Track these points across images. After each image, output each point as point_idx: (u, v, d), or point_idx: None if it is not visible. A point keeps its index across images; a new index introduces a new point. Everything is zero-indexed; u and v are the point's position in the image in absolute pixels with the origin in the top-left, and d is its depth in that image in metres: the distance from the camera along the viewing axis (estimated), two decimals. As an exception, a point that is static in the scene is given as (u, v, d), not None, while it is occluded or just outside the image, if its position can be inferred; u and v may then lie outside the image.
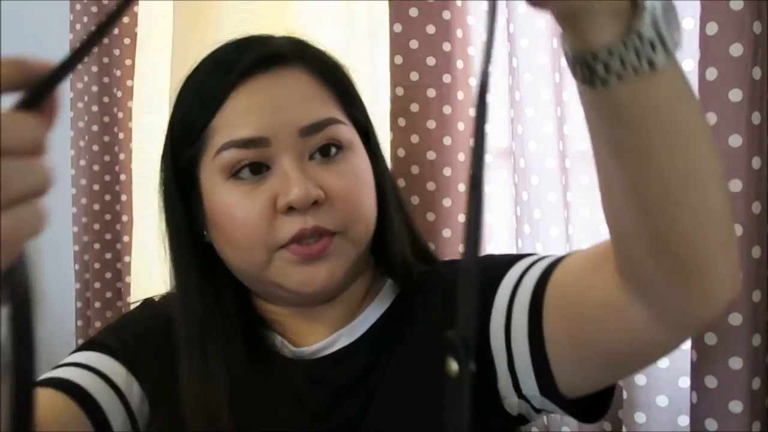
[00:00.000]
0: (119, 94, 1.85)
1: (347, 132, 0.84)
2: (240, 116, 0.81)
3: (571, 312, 0.72)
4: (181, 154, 0.85)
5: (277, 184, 0.80)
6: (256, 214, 0.80)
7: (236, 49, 0.85)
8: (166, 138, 0.88)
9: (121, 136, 1.85)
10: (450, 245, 1.20)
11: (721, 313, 0.62)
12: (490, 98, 1.29)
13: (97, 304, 1.91)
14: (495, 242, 1.29)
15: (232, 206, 0.81)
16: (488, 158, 1.26)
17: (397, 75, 1.24)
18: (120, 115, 1.85)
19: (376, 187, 0.86)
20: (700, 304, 0.61)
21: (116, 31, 1.86)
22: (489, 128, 1.30)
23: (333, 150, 0.82)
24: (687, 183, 0.55)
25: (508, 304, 0.78)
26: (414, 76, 1.23)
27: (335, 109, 0.84)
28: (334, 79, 0.86)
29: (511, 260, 0.82)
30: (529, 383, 0.78)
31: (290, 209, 0.79)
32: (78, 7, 1.94)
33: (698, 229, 0.57)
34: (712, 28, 0.90)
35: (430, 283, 0.87)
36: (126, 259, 1.82)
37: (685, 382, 1.00)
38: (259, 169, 0.81)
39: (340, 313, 0.87)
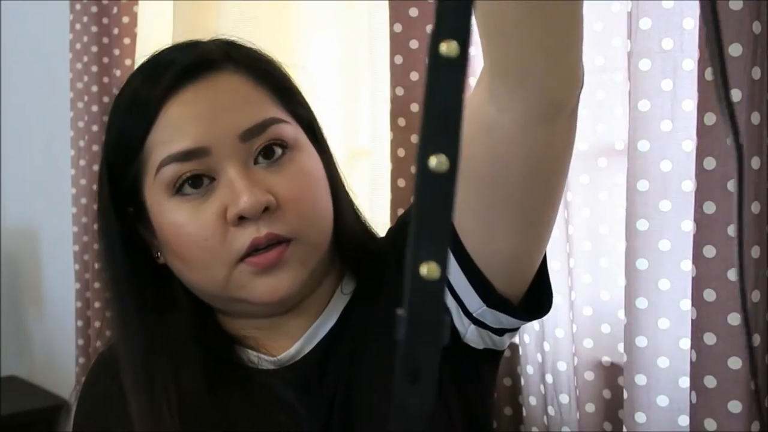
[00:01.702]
0: (119, 94, 1.85)
1: (291, 130, 0.81)
2: (175, 129, 0.78)
3: (467, 172, 0.73)
4: (121, 176, 0.82)
5: (224, 195, 0.77)
6: (207, 230, 0.77)
7: (162, 61, 0.82)
8: (102, 161, 0.85)
9: (121, 136, 1.85)
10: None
11: (577, 103, 0.69)
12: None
13: (97, 304, 1.91)
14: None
15: (182, 224, 0.78)
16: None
17: (397, 75, 1.24)
18: (120, 115, 1.85)
19: (329, 182, 0.84)
20: (563, 78, 0.66)
21: (116, 31, 1.86)
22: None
23: (278, 151, 0.79)
24: None
25: None
26: (414, 76, 1.23)
27: (275, 108, 0.81)
28: (268, 76, 0.83)
29: None
30: (472, 300, 0.78)
31: (241, 219, 0.77)
32: (78, 7, 1.93)
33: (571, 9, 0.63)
34: (711, 28, 0.90)
35: (380, 263, 0.86)
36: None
37: (685, 382, 1.00)
38: (200, 181, 0.78)
39: (311, 314, 0.85)
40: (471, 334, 0.82)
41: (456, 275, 0.78)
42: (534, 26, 0.62)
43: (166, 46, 0.85)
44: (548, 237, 0.78)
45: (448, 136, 0.30)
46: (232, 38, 0.86)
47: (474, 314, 0.80)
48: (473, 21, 0.31)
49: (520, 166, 0.70)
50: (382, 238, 0.92)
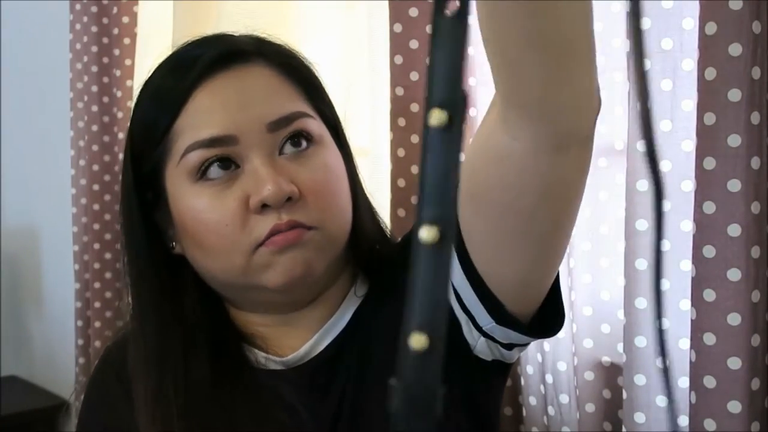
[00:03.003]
0: (119, 94, 1.85)
1: (316, 126, 0.82)
2: (204, 116, 0.79)
3: (479, 197, 0.72)
4: (142, 161, 0.82)
5: (248, 183, 0.78)
6: (228, 217, 0.77)
7: (195, 49, 0.82)
8: (126, 146, 0.85)
9: (120, 136, 1.85)
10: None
11: (592, 131, 0.68)
12: (490, 98, 1.29)
13: (97, 304, 1.91)
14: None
15: (203, 210, 0.79)
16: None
17: (397, 75, 1.24)
18: (120, 115, 1.85)
19: (348, 182, 0.85)
20: (575, 107, 0.65)
21: (116, 31, 1.86)
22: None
23: (303, 143, 0.80)
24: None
25: None
26: (414, 76, 1.23)
27: (302, 103, 0.82)
28: (298, 73, 0.84)
29: None
30: (482, 317, 0.78)
31: (264, 207, 0.77)
32: (78, 7, 1.93)
33: (578, 29, 0.63)
34: (711, 28, 0.90)
35: (391, 269, 0.86)
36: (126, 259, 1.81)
37: (684, 382, 0.99)
38: (228, 164, 0.78)
39: (323, 313, 0.85)
40: (481, 347, 0.82)
41: (466, 292, 0.78)
42: (539, 59, 0.61)
43: (195, 38, 0.85)
44: (559, 263, 0.78)
45: (441, 207, 0.30)
46: (263, 34, 0.87)
47: (484, 328, 0.80)
48: (466, 85, 0.30)
49: (532, 195, 0.69)
50: (395, 242, 0.92)
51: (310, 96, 0.84)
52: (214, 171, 0.78)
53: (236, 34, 0.86)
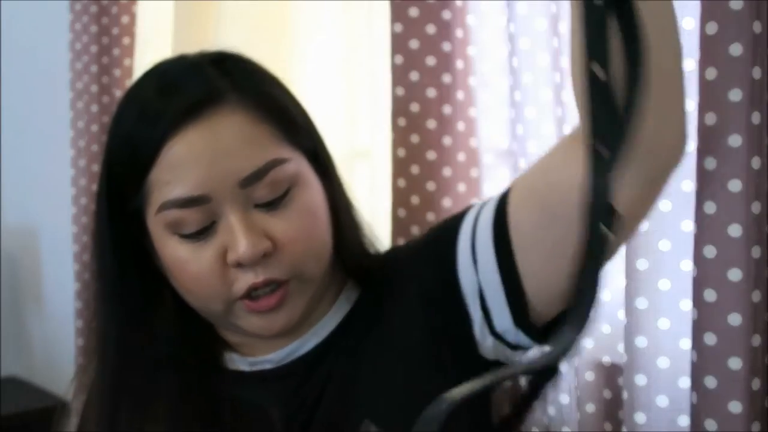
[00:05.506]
0: (119, 93, 1.85)
1: (291, 168, 0.80)
2: (176, 171, 0.77)
3: (543, 212, 0.73)
4: (124, 198, 0.82)
5: (224, 239, 0.78)
6: (206, 270, 0.79)
7: (167, 89, 0.80)
8: (102, 177, 0.85)
9: (121, 136, 1.85)
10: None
11: (674, 171, 0.71)
12: (491, 98, 1.29)
13: (97, 304, 1.91)
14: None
15: (183, 261, 0.80)
16: (489, 158, 1.26)
17: (397, 75, 1.24)
18: (120, 115, 1.85)
19: (330, 205, 0.84)
20: (673, 145, 0.69)
21: (116, 31, 1.86)
22: (489, 128, 1.29)
23: (279, 192, 0.79)
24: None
25: (471, 244, 0.80)
26: (414, 76, 1.23)
27: (275, 146, 0.80)
28: (272, 107, 0.81)
29: (465, 209, 0.84)
30: (503, 317, 0.79)
31: (240, 264, 0.78)
32: (78, 7, 1.93)
33: (676, 63, 0.67)
34: (711, 28, 0.90)
35: (388, 273, 0.87)
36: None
37: (685, 382, 0.99)
38: (200, 232, 0.79)
39: (309, 323, 0.86)
40: (487, 347, 0.83)
41: (493, 288, 0.79)
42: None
43: (167, 66, 0.84)
44: None
45: None
46: (235, 56, 0.85)
47: (497, 329, 0.81)
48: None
49: None
50: (398, 247, 0.93)
51: (286, 131, 0.81)
52: (190, 229, 0.79)
53: (207, 65, 0.82)
